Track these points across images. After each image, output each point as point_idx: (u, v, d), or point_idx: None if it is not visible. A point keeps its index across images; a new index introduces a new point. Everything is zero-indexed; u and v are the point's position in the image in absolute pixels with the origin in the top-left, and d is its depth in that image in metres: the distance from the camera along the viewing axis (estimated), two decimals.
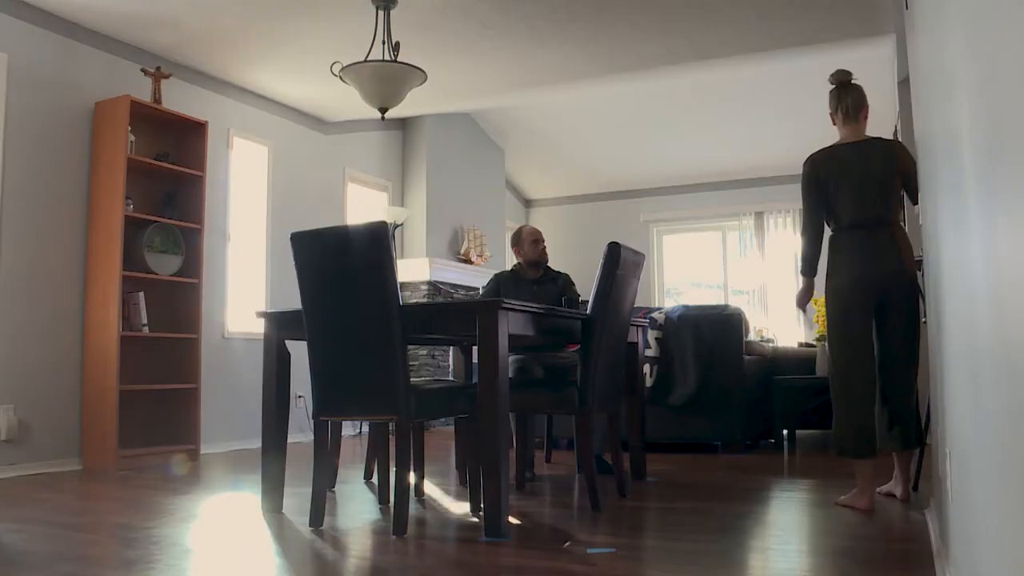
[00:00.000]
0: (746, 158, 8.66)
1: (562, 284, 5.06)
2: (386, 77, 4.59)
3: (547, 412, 4.33)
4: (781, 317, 8.96)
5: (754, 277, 9.23)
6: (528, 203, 10.66)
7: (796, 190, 8.99)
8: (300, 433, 6.70)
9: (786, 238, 9.04)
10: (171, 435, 5.62)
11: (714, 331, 5.47)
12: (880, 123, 8.15)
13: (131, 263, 5.30)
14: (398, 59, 4.66)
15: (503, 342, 3.28)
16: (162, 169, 5.53)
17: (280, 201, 6.84)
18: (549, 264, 5.13)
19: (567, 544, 2.91)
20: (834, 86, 3.77)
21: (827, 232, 3.75)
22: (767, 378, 5.89)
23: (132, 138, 5.31)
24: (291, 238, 3.47)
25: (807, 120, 7.76)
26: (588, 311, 3.86)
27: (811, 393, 5.70)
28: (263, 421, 3.80)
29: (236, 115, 6.45)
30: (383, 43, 4.73)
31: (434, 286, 7.91)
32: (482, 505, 3.25)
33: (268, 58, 5.91)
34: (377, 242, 3.27)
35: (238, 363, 6.37)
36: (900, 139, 6.29)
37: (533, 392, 3.87)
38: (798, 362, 6.16)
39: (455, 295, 8.17)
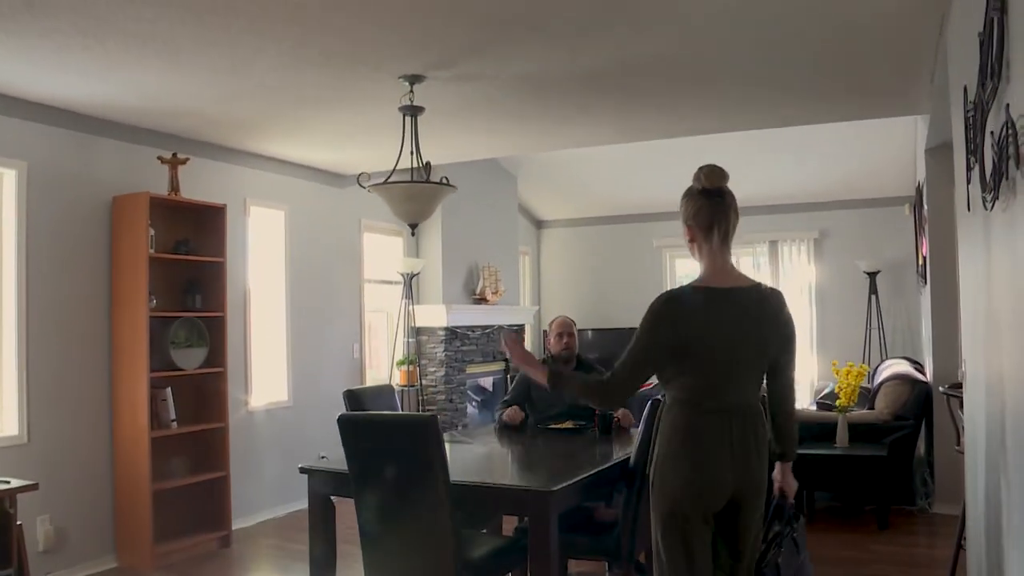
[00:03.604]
0: (762, 185, 8.59)
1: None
2: (416, 195, 4.54)
3: (586, 557, 4.34)
4: None
5: None
6: (540, 224, 10.58)
7: (811, 219, 9.14)
8: None
9: (800, 268, 9.02)
10: (203, 523, 5.66)
11: None
12: (896, 184, 8.17)
13: (157, 361, 5.28)
14: (428, 177, 4.60)
15: (554, 531, 3.34)
16: (183, 261, 5.49)
17: (298, 260, 6.80)
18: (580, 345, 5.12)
19: None
20: (699, 190, 2.64)
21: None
22: None
23: (152, 232, 5.25)
24: (338, 421, 3.48)
25: (825, 148, 7.72)
26: (631, 462, 3.87)
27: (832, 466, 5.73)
28: (311, 569, 3.86)
29: (253, 183, 6.36)
30: (411, 153, 4.66)
31: (451, 331, 7.95)
32: None
33: (287, 134, 5.82)
34: (427, 440, 3.28)
35: (262, 434, 6.39)
36: (925, 205, 6.25)
37: (574, 538, 3.90)
38: (820, 427, 6.09)
39: (472, 336, 8.22)
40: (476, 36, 3.90)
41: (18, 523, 3.44)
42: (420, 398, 7.88)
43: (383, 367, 7.83)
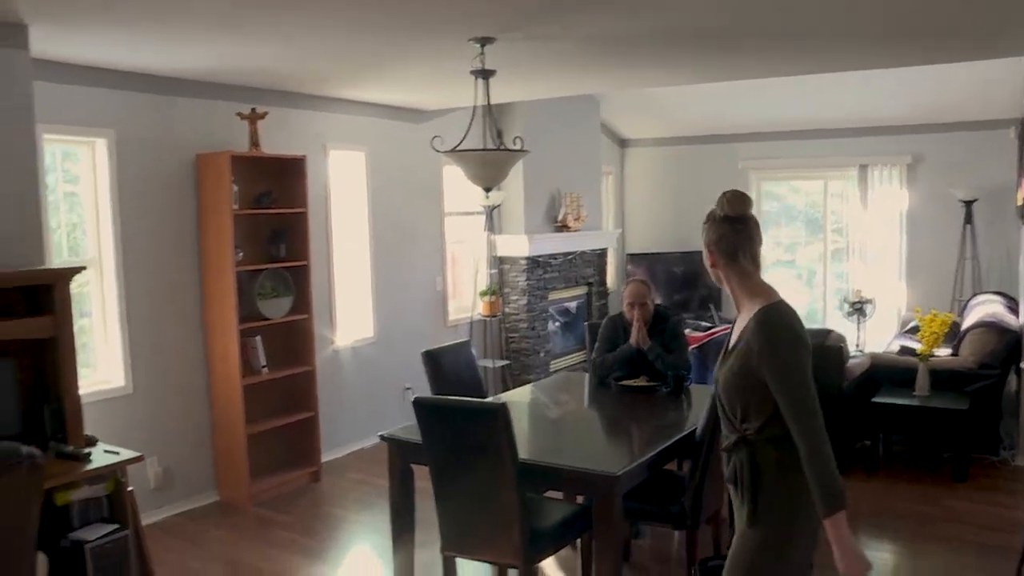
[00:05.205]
0: (852, 106, 8.23)
1: (666, 334, 5.04)
2: (490, 162, 4.56)
3: (653, 524, 4.46)
4: (879, 279, 8.75)
5: (856, 232, 8.99)
6: (623, 143, 10.41)
7: (905, 142, 8.69)
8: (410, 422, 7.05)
9: (891, 194, 8.68)
10: (295, 460, 6.01)
11: (812, 363, 5.43)
12: (1000, 105, 7.65)
13: (245, 311, 5.53)
14: (501, 142, 4.60)
15: (618, 511, 3.48)
16: (266, 214, 5.67)
17: (379, 198, 6.91)
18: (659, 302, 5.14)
19: None
20: (722, 217, 2.55)
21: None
22: (864, 399, 5.85)
23: (235, 188, 5.41)
24: (414, 403, 3.65)
25: (918, 67, 7.26)
26: (697, 434, 3.95)
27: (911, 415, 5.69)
28: (392, 529, 4.12)
29: (331, 128, 6.44)
30: (484, 117, 4.65)
31: (533, 260, 8.04)
32: None
33: (362, 83, 5.85)
34: (496, 426, 3.41)
35: (348, 371, 6.66)
36: None
37: (641, 507, 4.03)
38: (900, 373, 6.02)
39: (554, 263, 8.31)
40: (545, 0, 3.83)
41: (129, 489, 3.73)
42: (502, 327, 8.05)
43: (466, 297, 7.99)
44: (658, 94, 8.67)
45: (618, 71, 5.55)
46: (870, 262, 8.83)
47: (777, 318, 2.44)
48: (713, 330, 6.95)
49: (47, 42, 4.10)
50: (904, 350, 6.48)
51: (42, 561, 2.96)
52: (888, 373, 6.01)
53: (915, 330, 6.63)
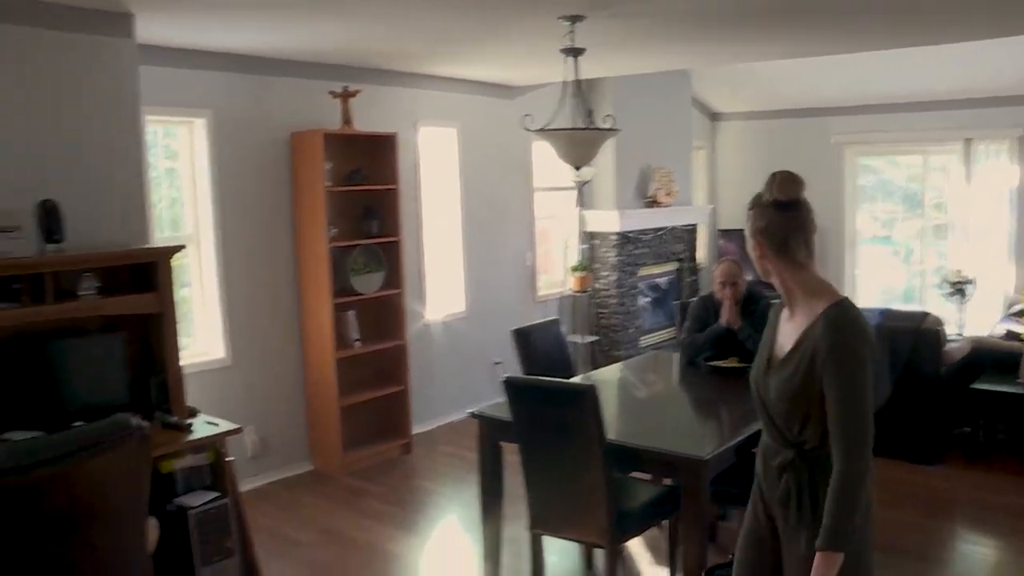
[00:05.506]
0: (955, 76, 7.86)
1: (757, 314, 4.95)
2: (579, 141, 4.56)
3: (740, 507, 4.40)
4: (983, 258, 8.39)
5: (958, 209, 8.64)
6: (715, 117, 10.21)
7: (1014, 114, 8.22)
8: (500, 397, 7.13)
9: (998, 170, 8.29)
10: (386, 432, 6.15)
11: (906, 347, 5.31)
12: None
13: (339, 287, 5.65)
14: (592, 121, 4.59)
15: (705, 495, 3.46)
16: (358, 190, 5.77)
17: (470, 173, 6.97)
18: (756, 276, 5.02)
19: None
20: (770, 201, 2.29)
21: None
22: (963, 385, 5.65)
23: (328, 165, 5.52)
24: (504, 382, 3.70)
25: None
26: None
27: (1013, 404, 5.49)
28: (481, 504, 4.19)
29: (423, 105, 6.50)
30: (574, 95, 4.64)
31: (623, 236, 8.02)
32: None
33: (453, 60, 5.88)
34: (585, 407, 3.42)
35: (439, 344, 6.77)
36: None
37: (726, 490, 3.99)
38: (1004, 358, 5.81)
39: (644, 239, 8.26)
40: None
41: (229, 459, 3.88)
42: (591, 303, 8.04)
43: (555, 273, 8.02)
44: (751, 67, 8.46)
45: (709, 47, 5.46)
46: (973, 240, 8.46)
47: (852, 321, 2.18)
48: None
49: (150, 28, 4.24)
50: (1010, 334, 6.24)
51: (153, 524, 3.11)
52: (991, 358, 5.79)
53: (1022, 313, 6.38)
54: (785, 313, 2.38)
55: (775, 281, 2.33)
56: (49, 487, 2.58)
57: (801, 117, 9.42)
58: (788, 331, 2.33)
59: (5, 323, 3.43)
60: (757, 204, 2.32)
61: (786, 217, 2.27)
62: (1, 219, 3.38)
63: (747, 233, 2.35)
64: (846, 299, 2.24)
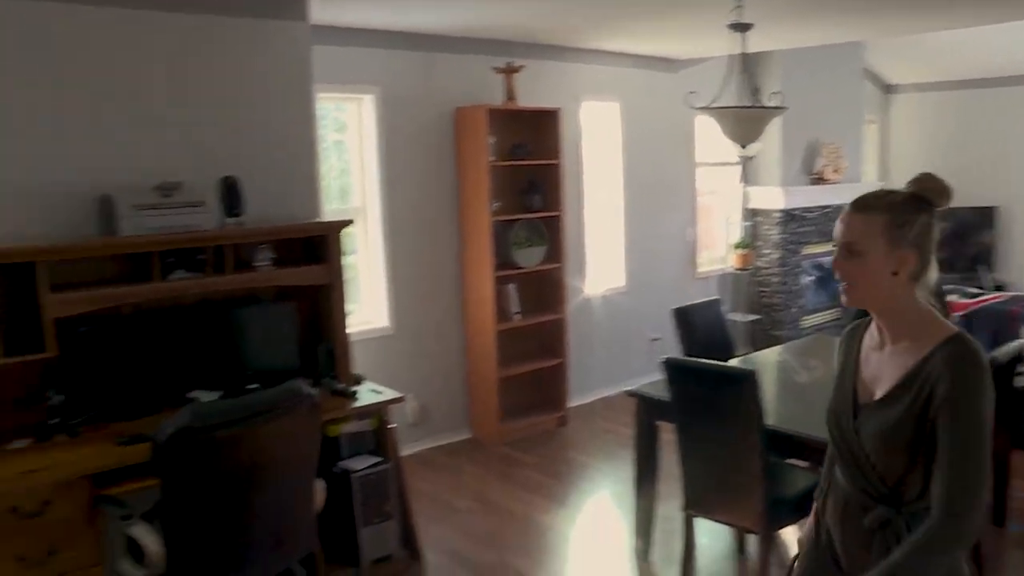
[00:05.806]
0: None
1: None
2: (745, 118, 4.43)
3: None
4: None
5: None
6: (888, 89, 9.64)
7: None
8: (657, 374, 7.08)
9: None
10: (543, 405, 6.23)
11: None
12: None
13: (500, 260, 5.74)
14: (758, 99, 4.45)
15: None
16: (521, 165, 5.83)
17: (633, 148, 6.90)
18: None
19: None
20: (932, 207, 1.85)
21: None
22: None
23: (491, 140, 5.59)
24: (664, 363, 3.67)
25: None
26: None
27: None
28: (635, 482, 4.20)
29: (586, 80, 6.47)
30: (740, 71, 4.51)
31: (788, 213, 7.76)
32: None
33: (616, 34, 5.82)
34: (744, 392, 3.36)
35: (598, 318, 6.76)
36: None
37: None
38: None
39: (809, 217, 7.96)
40: None
41: (391, 426, 4.04)
42: (753, 280, 7.84)
43: (717, 249, 7.86)
44: (932, 34, 7.95)
45: (885, 17, 5.17)
46: None
47: (977, 359, 1.77)
48: (983, 297, 6.36)
49: (323, 9, 4.39)
50: None
51: (321, 486, 3.29)
52: None
53: None
54: (870, 340, 1.98)
55: (875, 304, 1.89)
56: (229, 446, 2.78)
57: (988, 87, 8.75)
58: (883, 363, 1.92)
59: (191, 291, 3.69)
60: (911, 206, 1.83)
61: (937, 228, 1.87)
62: (188, 194, 3.60)
63: (888, 239, 1.81)
64: (964, 333, 1.84)
